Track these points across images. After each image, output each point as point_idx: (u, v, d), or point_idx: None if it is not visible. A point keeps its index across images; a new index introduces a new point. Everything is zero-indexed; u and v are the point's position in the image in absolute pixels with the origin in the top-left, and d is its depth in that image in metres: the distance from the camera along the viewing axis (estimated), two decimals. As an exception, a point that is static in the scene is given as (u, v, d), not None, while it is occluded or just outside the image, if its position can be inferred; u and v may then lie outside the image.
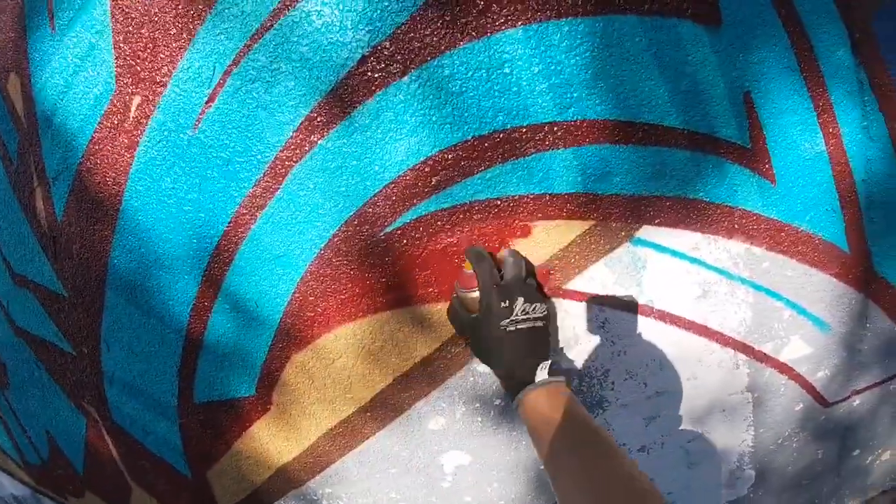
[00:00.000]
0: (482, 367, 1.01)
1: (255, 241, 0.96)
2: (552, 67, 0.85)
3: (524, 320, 0.74)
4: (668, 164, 0.92)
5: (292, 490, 1.16)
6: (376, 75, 0.86)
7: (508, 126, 0.88)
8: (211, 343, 1.06)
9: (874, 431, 1.33)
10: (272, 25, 0.87)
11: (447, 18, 0.83)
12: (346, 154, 0.89)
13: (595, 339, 1.01)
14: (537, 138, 0.88)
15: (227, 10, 0.86)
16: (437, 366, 1.02)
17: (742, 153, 0.94)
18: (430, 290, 0.97)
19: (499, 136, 0.88)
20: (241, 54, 0.89)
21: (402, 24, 0.84)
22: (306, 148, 0.91)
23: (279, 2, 0.84)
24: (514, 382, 0.73)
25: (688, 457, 1.15)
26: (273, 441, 1.12)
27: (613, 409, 1.07)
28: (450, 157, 0.89)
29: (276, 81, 0.88)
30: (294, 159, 0.91)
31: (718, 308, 1.02)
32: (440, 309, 0.97)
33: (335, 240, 0.94)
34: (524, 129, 0.88)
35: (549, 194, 0.92)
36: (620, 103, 0.88)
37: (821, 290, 1.07)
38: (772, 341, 1.07)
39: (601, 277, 0.97)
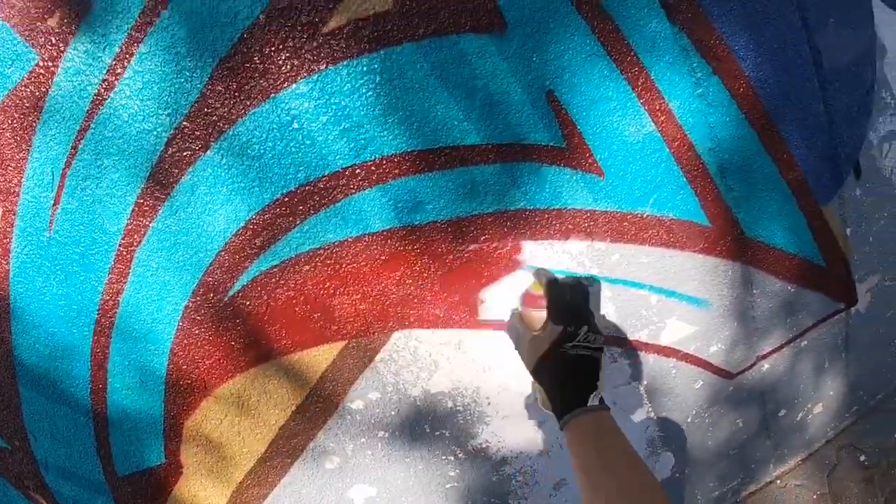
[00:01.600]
0: (354, 405, 0.99)
1: (123, 324, 0.97)
2: (339, 113, 0.82)
3: (584, 347, 0.73)
4: (480, 182, 0.88)
5: (226, 540, 1.17)
6: (184, 154, 0.85)
7: (312, 178, 0.85)
8: (115, 420, 1.08)
9: (796, 389, 1.25)
10: (89, 125, 0.87)
11: (233, 88, 0.81)
12: (177, 231, 0.89)
13: (459, 359, 0.97)
14: (342, 184, 0.86)
15: (51, 119, 0.87)
16: (313, 410, 1.01)
17: (558, 153, 0.89)
18: (284, 342, 0.96)
19: (306, 190, 0.86)
20: (71, 156, 0.89)
21: (195, 101, 0.82)
22: (142, 232, 0.91)
23: (90, 103, 0.84)
24: (566, 404, 0.72)
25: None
26: (196, 502, 1.13)
27: (497, 422, 1.03)
28: (266, 217, 0.87)
29: (104, 175, 0.89)
30: (134, 244, 0.92)
31: (573, 309, 0.97)
32: (299, 358, 0.96)
33: (188, 311, 0.94)
34: (327, 178, 0.85)
35: (368, 234, 0.89)
36: (416, 133, 0.84)
37: (687, 269, 1.01)
38: (645, 328, 1.02)
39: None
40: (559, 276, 0.82)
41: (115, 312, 0.97)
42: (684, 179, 0.95)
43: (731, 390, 1.15)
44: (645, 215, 0.95)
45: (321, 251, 0.90)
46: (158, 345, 0.97)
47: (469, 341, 0.97)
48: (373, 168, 0.85)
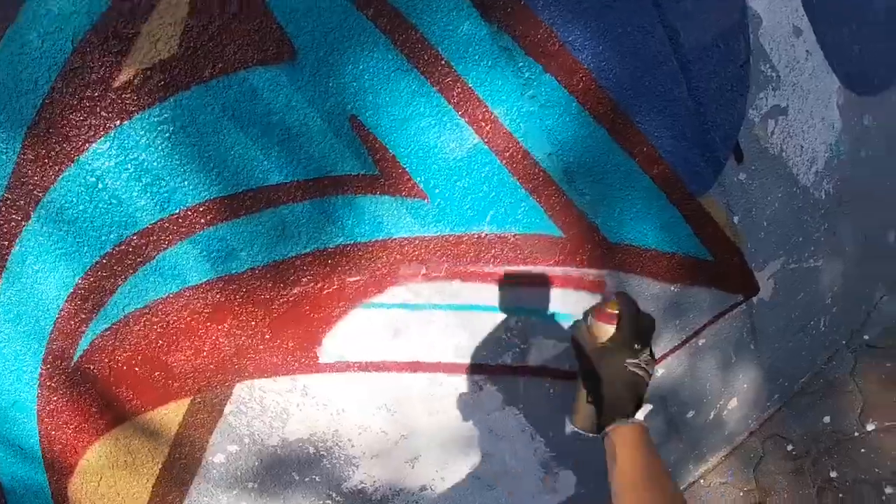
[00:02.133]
0: (216, 459, 0.94)
1: None
2: (139, 168, 0.76)
3: (643, 367, 0.78)
4: (291, 222, 0.80)
5: None
6: (10, 225, 0.80)
7: (125, 237, 0.80)
8: (8, 487, 1.04)
9: (702, 389, 1.16)
10: None
11: (42, 154, 0.75)
12: (17, 302, 0.85)
13: (308, 404, 0.91)
14: (153, 240, 0.80)
15: None
16: (179, 466, 0.96)
17: (372, 181, 0.81)
18: (134, 402, 0.91)
19: (120, 250, 0.80)
20: None
21: (11, 172, 0.76)
22: None
23: None
24: (613, 413, 0.76)
25: (480, 481, 1.04)
26: None
27: (366, 463, 0.97)
28: (91, 280, 0.82)
29: None
30: None
31: (419, 342, 0.89)
32: (153, 416, 0.92)
33: (43, 379, 0.91)
34: (137, 236, 0.79)
35: (188, 288, 0.82)
36: (217, 179, 0.77)
37: (546, 285, 0.92)
38: (509, 352, 0.94)
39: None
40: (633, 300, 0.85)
41: None
42: (523, 191, 0.86)
43: (624, 400, 1.07)
44: (483, 234, 0.86)
45: (146, 309, 0.84)
46: (26, 413, 0.93)
47: (315, 386, 0.90)
48: (179, 220, 0.78)
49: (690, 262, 1.03)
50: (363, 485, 1.00)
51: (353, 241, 0.83)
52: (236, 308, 0.84)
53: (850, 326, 1.36)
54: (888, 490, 1.12)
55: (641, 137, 0.92)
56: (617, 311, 0.81)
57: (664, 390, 1.11)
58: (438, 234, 0.85)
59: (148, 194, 0.76)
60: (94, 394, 0.90)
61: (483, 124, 0.82)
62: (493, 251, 0.87)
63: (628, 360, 0.78)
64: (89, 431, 0.93)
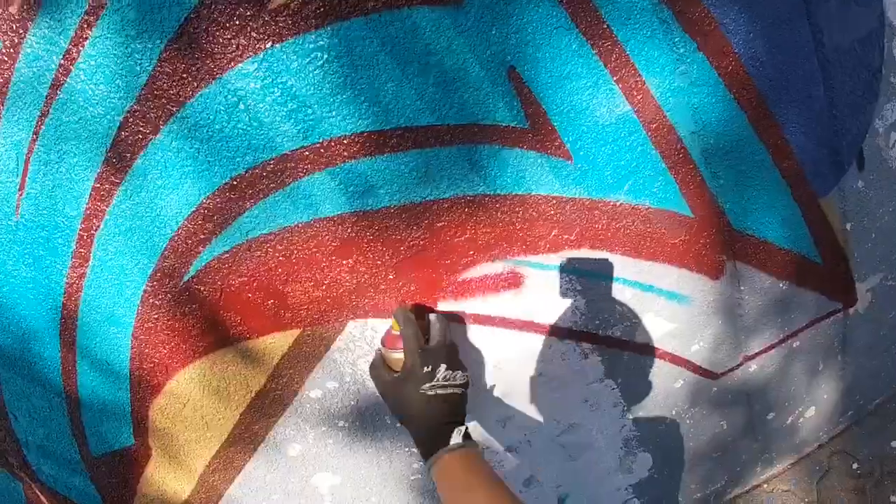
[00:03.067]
0: (313, 394, 0.92)
1: (88, 306, 0.92)
2: (286, 93, 0.74)
3: (444, 386, 0.71)
4: (434, 165, 0.78)
5: (199, 524, 1.12)
6: (136, 137, 0.79)
7: (261, 161, 0.78)
8: (86, 401, 1.03)
9: (787, 392, 1.12)
10: (48, 110, 0.81)
11: (181, 69, 0.74)
12: (132, 215, 0.83)
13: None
14: (290, 167, 0.78)
15: (14, 105, 0.81)
16: (272, 396, 0.94)
17: (521, 135, 0.79)
18: (240, 328, 0.89)
19: (254, 173, 0.78)
20: (33, 141, 0.84)
21: (144, 84, 0.75)
22: (100, 216, 0.85)
23: (49, 88, 0.78)
24: (430, 445, 0.69)
25: (564, 450, 1.01)
26: (167, 483, 1.08)
27: (461, 417, 0.94)
28: (216, 201, 0.80)
29: (63, 160, 0.83)
30: (93, 228, 0.86)
31: (539, 302, 0.87)
32: (256, 344, 0.90)
33: (146, 296, 0.89)
34: (275, 161, 0.77)
35: (318, 219, 0.81)
36: (366, 113, 0.75)
37: (666, 262, 0.89)
38: (619, 325, 0.91)
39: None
40: (410, 315, 0.78)
41: (80, 296, 0.92)
42: (663, 165, 0.84)
43: (715, 391, 1.04)
44: (618, 203, 0.84)
45: (272, 236, 0.82)
46: (121, 328, 0.92)
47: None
48: (321, 150, 0.76)
49: (801, 262, 1.00)
50: (452, 439, 0.98)
51: (492, 193, 0.81)
52: (364, 245, 0.82)
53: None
54: None
55: (778, 130, 0.90)
56: (399, 333, 0.75)
57: (753, 387, 1.08)
58: (575, 196, 0.83)
59: (292, 120, 0.74)
60: (199, 316, 0.88)
61: (635, 93, 0.79)
62: (624, 221, 0.85)
63: (423, 387, 0.71)
64: (186, 353, 0.92)
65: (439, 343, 0.75)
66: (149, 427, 1.02)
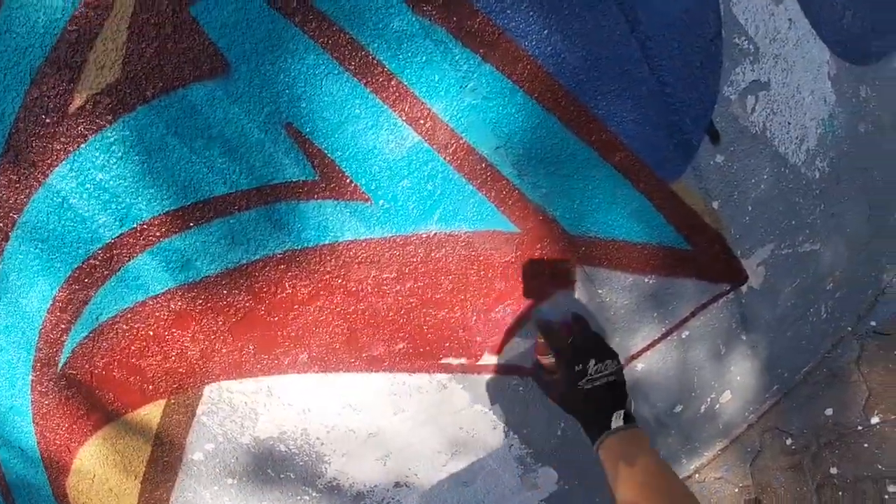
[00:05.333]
0: (196, 456, 0.89)
1: None
2: (97, 187, 0.71)
3: (598, 378, 0.71)
4: (238, 231, 0.73)
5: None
6: None
7: (91, 251, 0.76)
8: (14, 488, 1.03)
9: (689, 383, 1.00)
10: None
11: (14, 179, 0.73)
12: (5, 314, 0.81)
13: (274, 405, 0.83)
14: (116, 254, 0.75)
15: None
16: (162, 464, 0.92)
17: (313, 187, 0.72)
18: (117, 404, 0.87)
19: (90, 263, 0.77)
20: None
21: None
22: None
23: None
24: (595, 432, 0.70)
25: (455, 478, 0.93)
26: None
27: (338, 461, 0.89)
28: (66, 293, 0.78)
29: None
30: None
31: (375, 341, 0.80)
32: (134, 417, 0.88)
33: (34, 384, 0.89)
34: (102, 251, 0.75)
35: (151, 297, 0.77)
36: (167, 193, 0.72)
37: (502, 282, 0.80)
38: (470, 349, 0.83)
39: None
40: (551, 317, 0.78)
41: None
42: (471, 187, 0.75)
43: (603, 396, 0.94)
44: (432, 234, 0.76)
45: (117, 318, 0.79)
46: (22, 416, 0.91)
47: (279, 386, 0.83)
48: (137, 234, 0.73)
49: (666, 252, 0.88)
50: (337, 481, 0.92)
51: (300, 247, 0.75)
52: (197, 314, 0.78)
53: (856, 312, 1.16)
54: (891, 488, 0.93)
55: (598, 124, 0.79)
56: (543, 340, 0.74)
57: (645, 385, 0.97)
58: (385, 235, 0.75)
59: (107, 211, 0.72)
60: (81, 397, 0.86)
61: (422, 122, 0.71)
62: (444, 250, 0.77)
63: (579, 383, 0.70)
64: (80, 432, 0.90)
65: (583, 339, 0.74)
66: (70, 504, 1.01)
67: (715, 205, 0.90)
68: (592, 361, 0.70)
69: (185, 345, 0.81)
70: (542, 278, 0.83)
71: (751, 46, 0.90)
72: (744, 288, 0.97)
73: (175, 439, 0.90)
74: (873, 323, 1.15)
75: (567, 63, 0.76)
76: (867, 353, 1.12)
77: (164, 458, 0.91)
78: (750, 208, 0.93)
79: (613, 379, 0.71)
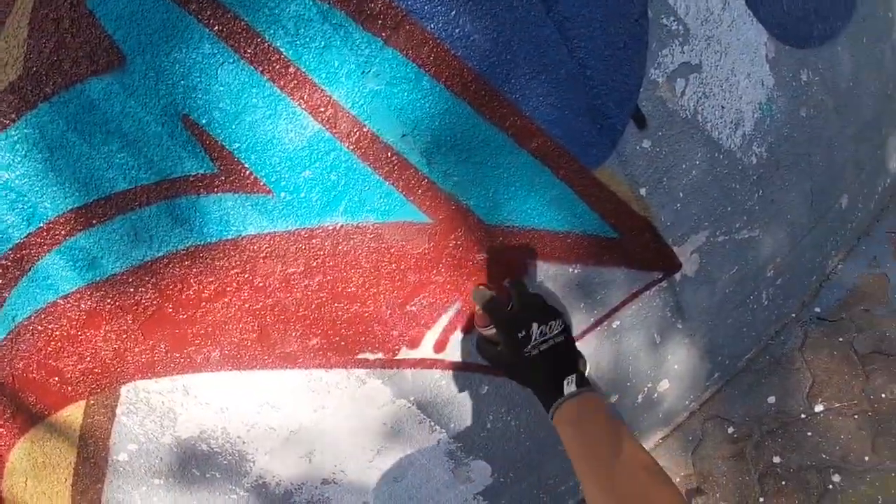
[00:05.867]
0: (120, 457, 0.86)
1: None
2: (4, 186, 0.67)
3: (543, 342, 0.67)
4: (141, 227, 0.71)
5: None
6: None
7: (2, 252, 0.72)
8: None
9: (623, 372, 0.98)
10: None
11: None
12: None
13: (191, 404, 0.80)
14: (25, 253, 0.72)
15: None
16: (89, 465, 0.89)
17: (212, 180, 0.69)
18: (39, 406, 0.84)
19: (2, 264, 0.73)
20: None
21: None
22: None
23: None
24: (548, 399, 0.66)
25: (386, 474, 0.90)
26: None
27: (261, 459, 0.87)
28: None
29: None
30: None
31: (286, 338, 0.77)
32: (58, 419, 0.84)
33: None
34: (13, 251, 0.72)
35: (62, 296, 0.75)
36: (70, 190, 0.69)
37: (414, 275, 0.77)
38: (388, 344, 0.80)
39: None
40: (485, 291, 0.74)
41: None
42: (377, 177, 0.72)
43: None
44: (339, 225, 0.72)
45: (32, 319, 0.76)
46: None
47: (195, 385, 0.80)
48: (44, 233, 0.70)
49: (591, 241, 0.85)
50: (263, 479, 0.89)
51: (203, 243, 0.71)
52: (107, 313, 0.75)
53: (800, 299, 1.13)
54: (835, 478, 0.91)
55: (512, 109, 0.75)
56: (481, 310, 0.71)
57: (577, 376, 0.94)
58: (289, 228, 0.72)
59: (15, 210, 0.69)
60: (5, 400, 0.83)
61: (322, 109, 0.68)
62: (351, 242, 0.73)
63: (524, 350, 0.66)
64: (7, 436, 0.86)
65: (522, 304, 0.70)
66: (6, 506, 0.99)
67: (643, 191, 0.86)
68: (535, 325, 0.67)
69: (98, 345, 0.78)
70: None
71: (680, 27, 0.86)
72: (678, 276, 0.94)
73: (99, 440, 0.87)
74: (817, 309, 1.12)
75: (477, 46, 0.72)
76: (811, 340, 1.09)
77: (90, 459, 0.88)
78: (681, 195, 0.90)
79: (561, 339, 0.68)
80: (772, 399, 1.05)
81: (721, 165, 0.94)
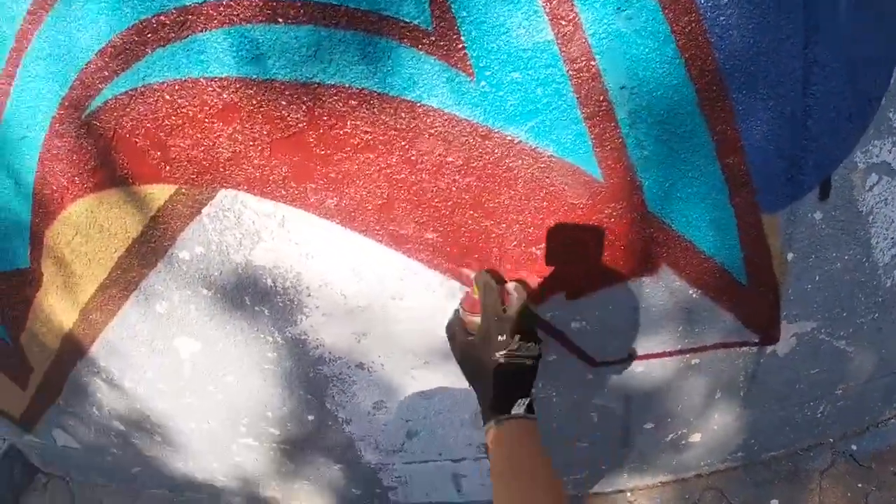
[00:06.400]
0: (183, 254, 0.83)
1: (6, 124, 0.85)
2: None
3: (517, 356, 0.67)
4: (325, 46, 0.66)
5: (79, 360, 1.07)
6: None
7: (167, 8, 0.67)
8: None
9: (672, 408, 0.96)
10: None
11: None
12: (53, 41, 0.74)
13: (281, 236, 0.78)
14: (190, 19, 0.67)
15: None
16: (147, 247, 0.87)
17: (421, 35, 0.64)
18: (127, 171, 0.81)
19: (159, 20, 0.68)
20: None
21: None
22: (29, 38, 0.77)
23: None
24: (492, 410, 0.66)
25: (416, 384, 0.90)
26: (55, 311, 1.04)
27: (316, 317, 0.85)
28: (123, 41, 0.71)
29: None
30: (22, 49, 0.78)
31: (407, 218, 0.74)
32: (139, 191, 0.82)
33: (54, 123, 0.81)
34: (176, 11, 0.67)
35: (207, 78, 0.70)
36: None
37: (551, 220, 0.74)
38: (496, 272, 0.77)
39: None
40: (494, 282, 0.71)
41: (2, 112, 0.85)
42: (578, 114, 0.68)
43: (590, 378, 0.89)
44: (517, 140, 0.69)
45: (164, 85, 0.72)
46: (31, 151, 0.85)
47: (293, 221, 0.77)
48: (222, 7, 0.65)
49: (722, 275, 0.82)
50: (305, 336, 0.87)
51: (380, 91, 0.67)
52: (245, 114, 0.71)
53: (846, 429, 1.11)
54: None
55: (730, 117, 0.71)
56: (478, 297, 0.69)
57: (634, 389, 0.92)
58: (470, 118, 0.68)
59: None
60: (95, 152, 0.80)
61: (563, 22, 0.63)
62: (520, 161, 0.70)
63: (496, 354, 0.66)
64: (79, 186, 0.84)
65: (517, 313, 0.69)
66: (42, 254, 0.96)
67: (790, 256, 0.83)
68: (517, 337, 0.66)
69: (221, 139, 0.74)
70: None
71: (901, 126, 0.81)
72: (769, 349, 0.92)
73: (170, 229, 0.84)
74: (854, 447, 1.10)
75: (732, 41, 0.67)
76: (834, 471, 1.08)
77: (151, 242, 0.86)
78: (817, 278, 0.86)
79: (530, 364, 0.68)
80: (774, 502, 1.04)
81: (862, 272, 0.90)
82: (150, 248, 0.86)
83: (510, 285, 0.72)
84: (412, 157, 0.71)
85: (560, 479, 0.62)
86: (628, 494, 1.07)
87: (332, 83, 0.67)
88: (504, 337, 0.65)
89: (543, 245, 0.76)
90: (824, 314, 0.91)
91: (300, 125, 0.70)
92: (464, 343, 0.70)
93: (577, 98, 0.67)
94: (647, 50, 0.65)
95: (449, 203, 0.73)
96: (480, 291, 0.69)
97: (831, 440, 1.10)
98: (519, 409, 0.63)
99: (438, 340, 0.83)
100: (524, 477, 0.60)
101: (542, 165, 0.70)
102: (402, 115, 0.68)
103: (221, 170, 0.76)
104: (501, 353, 0.65)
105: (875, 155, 0.82)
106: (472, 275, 0.75)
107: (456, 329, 0.71)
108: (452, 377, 0.87)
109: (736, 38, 0.67)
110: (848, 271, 0.89)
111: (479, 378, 0.68)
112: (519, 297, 0.70)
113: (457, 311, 0.73)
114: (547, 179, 0.71)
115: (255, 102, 0.70)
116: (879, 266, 0.92)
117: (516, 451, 0.63)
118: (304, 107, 0.69)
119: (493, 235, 0.75)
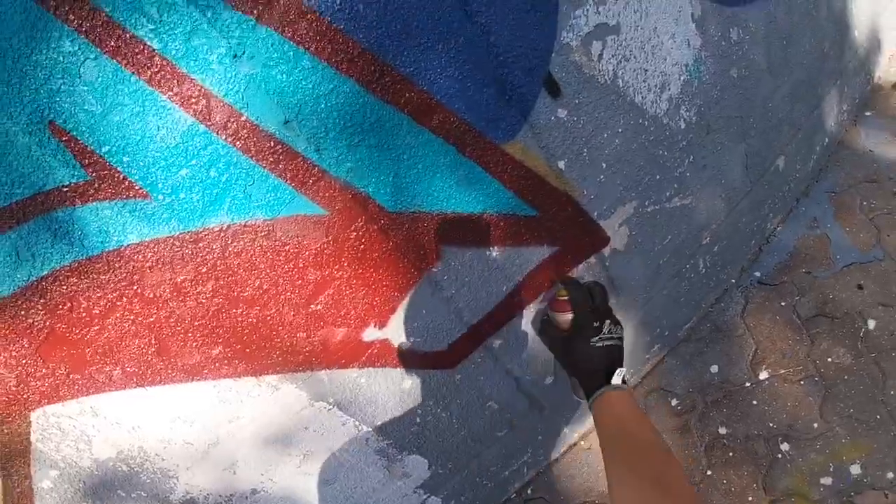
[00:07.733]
0: (44, 484, 0.80)
1: None
2: None
3: (609, 338, 0.76)
4: (21, 246, 0.62)
5: None
6: None
7: None
8: None
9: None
10: None
11: None
12: None
13: (102, 425, 0.73)
14: None
15: None
16: (16, 494, 0.80)
17: (86, 189, 0.61)
18: None
19: None
20: None
21: None
22: None
23: None
24: (594, 386, 0.73)
25: (316, 478, 0.84)
26: None
27: (185, 474, 0.80)
28: None
29: None
30: None
31: (189, 350, 0.69)
32: None
33: None
34: None
35: None
36: None
37: (318, 271, 0.69)
38: (299, 347, 0.72)
39: None
40: (577, 280, 0.80)
41: None
42: (261, 169, 0.63)
43: (460, 378, 0.84)
44: (226, 226, 0.64)
45: None
46: None
47: (102, 406, 0.72)
48: None
49: (508, 221, 0.78)
50: (190, 495, 0.82)
51: (84, 257, 0.63)
52: (2, 339, 0.66)
53: (740, 264, 1.08)
54: (784, 446, 0.86)
55: (406, 83, 0.67)
56: (567, 297, 0.76)
57: (511, 361, 0.88)
58: (172, 233, 0.63)
59: None
60: None
61: (193, 101, 0.59)
62: (241, 242, 0.65)
63: (592, 340, 0.74)
64: None
65: (604, 301, 0.78)
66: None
67: (561, 164, 0.79)
68: (608, 322, 0.76)
69: (0, 372, 0.69)
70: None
71: (592, -13, 0.77)
72: (607, 250, 0.88)
73: (20, 469, 0.79)
74: (758, 274, 1.07)
75: (361, 16, 0.63)
76: (753, 306, 1.04)
77: (17, 488, 0.81)
78: (604, 165, 0.83)
79: (620, 343, 0.77)
80: (714, 368, 1.00)
81: (646, 132, 0.86)
82: (19, 494, 0.81)
83: (589, 281, 0.81)
84: (150, 296, 0.66)
85: (657, 431, 0.68)
86: (581, 444, 1.03)
87: (47, 272, 0.62)
88: (598, 324, 0.75)
89: (322, 295, 0.71)
90: (637, 189, 0.88)
91: (47, 323, 0.65)
92: (559, 339, 0.78)
93: (250, 157, 0.63)
94: (284, 76, 0.61)
95: (210, 314, 0.69)
96: (570, 291, 0.76)
97: (732, 282, 1.07)
98: (618, 378, 0.72)
99: (298, 430, 0.79)
100: (629, 436, 0.67)
101: (264, 233, 0.66)
102: (116, 265, 0.63)
103: (19, 397, 0.71)
104: (596, 338, 0.74)
105: (583, 25, 0.78)
106: (559, 282, 0.81)
107: (549, 331, 0.80)
108: (336, 450, 0.82)
109: (363, 10, 0.63)
110: (633, 140, 0.85)
111: (581, 365, 0.75)
112: (600, 290, 0.78)
113: (545, 318, 0.81)
114: (277, 243, 0.67)
115: (3, 326, 0.64)
116: (660, 115, 0.88)
117: (630, 413, 0.70)
118: (39, 306, 0.64)
119: (268, 318, 0.70)
